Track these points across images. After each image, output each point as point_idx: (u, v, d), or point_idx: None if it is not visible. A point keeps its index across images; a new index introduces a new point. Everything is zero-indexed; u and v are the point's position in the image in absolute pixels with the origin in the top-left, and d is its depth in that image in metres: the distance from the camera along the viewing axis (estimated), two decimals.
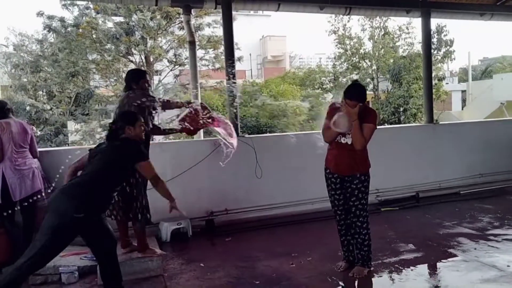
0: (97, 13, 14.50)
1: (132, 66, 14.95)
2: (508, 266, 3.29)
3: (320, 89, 19.74)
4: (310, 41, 61.61)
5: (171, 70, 15.84)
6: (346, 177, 3.19)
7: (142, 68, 5.32)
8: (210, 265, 3.56)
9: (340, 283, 3.13)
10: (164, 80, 16.38)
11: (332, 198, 3.30)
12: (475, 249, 3.67)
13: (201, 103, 3.72)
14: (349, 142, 3.12)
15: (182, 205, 4.54)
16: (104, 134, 12.29)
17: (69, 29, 15.01)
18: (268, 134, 10.37)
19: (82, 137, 14.82)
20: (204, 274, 3.38)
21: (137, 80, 3.49)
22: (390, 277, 3.25)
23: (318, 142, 5.43)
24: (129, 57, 15.14)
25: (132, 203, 3.36)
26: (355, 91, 3.07)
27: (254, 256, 3.76)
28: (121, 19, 14.63)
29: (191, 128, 3.69)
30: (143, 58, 15.29)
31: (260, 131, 14.44)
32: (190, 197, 4.70)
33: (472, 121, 8.69)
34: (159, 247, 3.78)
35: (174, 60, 15.60)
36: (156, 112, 3.55)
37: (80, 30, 14.44)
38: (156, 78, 16.33)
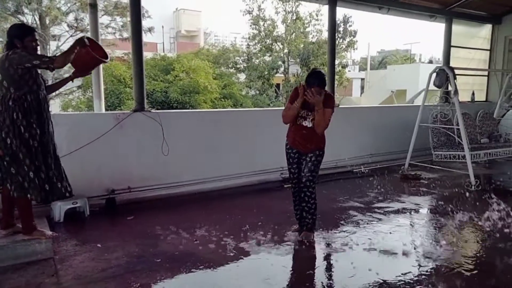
0: None
1: None
2: (390, 233, 3.75)
3: (234, 68, 19.77)
4: (225, 19, 61.00)
5: (71, 36, 14.29)
6: (302, 152, 3.45)
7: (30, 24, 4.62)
8: (108, 245, 3.38)
9: (241, 256, 3.22)
10: (62, 46, 14.73)
11: (289, 171, 3.59)
12: (362, 220, 4.10)
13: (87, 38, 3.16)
14: (309, 125, 3.38)
15: (79, 183, 4.26)
16: None
17: None
18: (176, 110, 10.09)
19: None
20: (101, 255, 3.19)
21: (22, 37, 2.97)
22: (294, 244, 3.46)
23: (230, 120, 5.49)
24: (19, 16, 13.23)
25: (10, 167, 2.94)
26: (317, 78, 3.28)
27: (157, 234, 3.67)
28: None
29: (84, 68, 3.31)
30: (36, 19, 13.51)
31: (170, 107, 13.99)
32: (89, 174, 4.38)
33: (368, 106, 9.56)
34: (51, 228, 3.46)
35: (75, 25, 14.10)
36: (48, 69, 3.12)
37: None
38: (53, 44, 14.62)
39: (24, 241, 3.08)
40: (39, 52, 3.17)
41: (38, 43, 3.13)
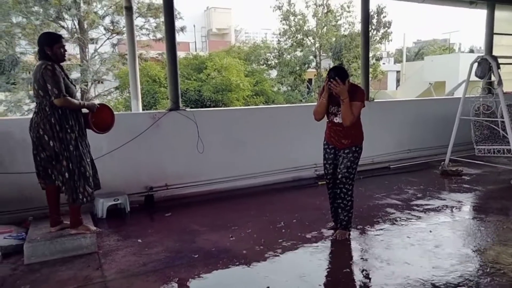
0: None
1: (63, 32, 13.78)
2: (430, 231, 3.63)
3: (265, 65, 19.78)
4: (256, 16, 61.03)
5: (108, 38, 14.86)
6: (339, 149, 3.44)
7: (57, 32, 4.83)
8: (148, 241, 3.50)
9: (276, 253, 3.24)
10: (100, 49, 15.34)
11: (324, 167, 3.57)
12: (400, 218, 3.99)
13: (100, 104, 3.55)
14: (340, 121, 3.34)
15: (120, 180, 4.44)
16: (33, 105, 11.32)
17: None
18: (210, 109, 10.23)
19: (7, 108, 13.57)
20: (141, 250, 3.31)
21: (51, 44, 3.16)
22: (330, 242, 3.43)
23: (262, 117, 5.50)
24: (60, 22, 13.91)
25: (59, 167, 3.17)
26: (334, 69, 3.30)
27: (194, 230, 3.76)
28: None
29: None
30: (76, 23, 14.14)
31: (204, 105, 14.22)
32: (128, 172, 4.55)
33: (404, 100, 9.26)
34: (94, 224, 3.63)
35: (112, 28, 14.64)
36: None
37: None
38: (91, 47, 15.25)
39: (71, 235, 3.26)
40: (67, 56, 3.37)
41: (66, 49, 3.31)
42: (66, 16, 13.78)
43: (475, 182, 5.31)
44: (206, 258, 3.16)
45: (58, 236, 3.25)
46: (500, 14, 7.74)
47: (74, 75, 13.77)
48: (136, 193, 4.54)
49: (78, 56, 14.68)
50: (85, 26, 14.38)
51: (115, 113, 3.71)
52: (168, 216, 4.20)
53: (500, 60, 5.59)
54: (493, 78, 5.85)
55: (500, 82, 5.41)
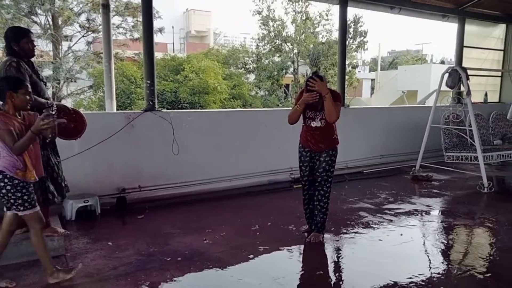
0: None
1: (36, 28, 13.33)
2: (401, 234, 3.72)
3: (243, 68, 19.80)
4: (235, 20, 61.15)
5: (83, 36, 14.48)
6: (316, 152, 3.47)
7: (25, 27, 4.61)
8: (119, 244, 3.41)
9: (251, 256, 3.22)
10: (74, 47, 14.92)
11: (300, 169, 3.59)
12: (372, 221, 4.07)
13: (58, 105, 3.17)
14: (318, 125, 3.39)
15: (91, 181, 4.32)
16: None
17: None
18: (186, 110, 10.14)
19: None
20: (111, 253, 3.22)
21: (18, 39, 3.02)
22: (304, 244, 3.45)
23: (239, 120, 5.50)
24: (33, 17, 13.44)
25: None
26: (313, 73, 3.36)
27: (167, 233, 3.69)
28: None
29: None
30: (49, 19, 13.70)
31: (180, 107, 14.08)
32: (100, 173, 4.43)
33: (378, 107, 9.49)
34: (63, 226, 3.52)
35: (87, 25, 14.27)
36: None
37: None
38: (65, 44, 14.81)
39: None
40: (36, 52, 3.21)
41: (35, 44, 3.17)
42: (39, 11, 13.34)
43: (444, 187, 5.49)
44: (179, 261, 3.10)
45: (23, 238, 3.11)
46: (470, 28, 8.09)
47: (46, 72, 13.31)
48: (108, 194, 4.42)
49: (51, 53, 14.23)
50: (60, 22, 13.97)
51: (89, 112, 3.60)
52: (140, 218, 4.11)
53: (469, 72, 5.82)
54: (462, 88, 6.08)
55: (469, 93, 5.63)
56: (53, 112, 2.53)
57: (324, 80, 3.30)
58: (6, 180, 2.52)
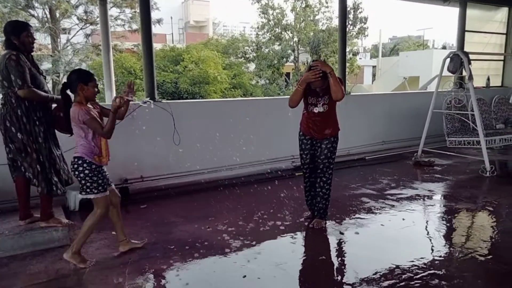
0: None
1: (34, 21, 13.25)
2: (403, 219, 3.73)
3: (243, 58, 19.69)
4: (234, 9, 60.55)
5: (81, 28, 14.41)
6: (317, 139, 3.46)
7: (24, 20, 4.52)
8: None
9: (253, 242, 3.25)
10: (73, 39, 14.87)
11: (301, 157, 3.58)
12: (374, 207, 4.08)
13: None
14: (321, 111, 3.38)
15: None
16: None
17: None
18: (187, 100, 10.11)
19: None
20: (115, 242, 3.23)
21: (18, 33, 3.02)
22: (307, 231, 3.47)
23: (240, 109, 5.48)
24: (30, 10, 13.36)
25: (29, 159, 3.06)
26: (314, 61, 3.37)
27: (170, 222, 3.72)
28: None
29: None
30: (47, 12, 13.62)
31: (180, 97, 14.05)
32: None
33: (379, 93, 9.43)
34: (67, 217, 3.54)
35: (85, 17, 14.19)
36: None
37: None
38: (63, 37, 14.76)
39: (42, 228, 3.16)
40: (35, 46, 3.20)
41: (35, 38, 3.16)
42: (36, 5, 13.26)
43: (446, 172, 5.49)
44: (183, 249, 3.13)
45: (27, 229, 3.15)
46: (472, 12, 7.98)
47: (45, 66, 13.29)
48: None
49: (50, 46, 14.17)
50: (57, 15, 13.89)
51: None
52: (143, 208, 4.14)
53: (471, 56, 5.77)
54: (464, 73, 6.03)
55: (470, 77, 5.59)
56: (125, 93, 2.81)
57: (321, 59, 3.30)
58: (85, 165, 2.73)
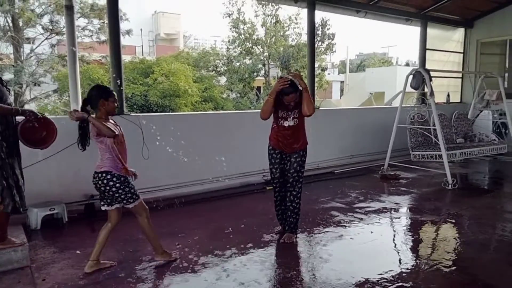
0: None
1: None
2: (371, 232, 3.81)
3: (214, 71, 19.73)
4: (205, 22, 60.80)
5: (46, 38, 13.96)
6: (286, 153, 3.48)
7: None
8: (87, 252, 3.27)
9: (224, 259, 3.20)
10: (38, 49, 14.36)
11: (271, 171, 3.61)
12: (344, 220, 4.14)
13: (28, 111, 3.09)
14: (291, 124, 3.43)
15: (57, 189, 4.16)
16: None
17: None
18: (156, 114, 9.97)
19: None
20: (80, 262, 3.11)
21: None
22: (278, 245, 3.46)
23: (211, 123, 5.46)
24: None
25: None
26: (290, 86, 3.32)
27: (138, 239, 3.60)
28: None
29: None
30: (9, 21, 13.12)
31: (150, 110, 13.83)
32: (67, 180, 4.27)
33: (347, 108, 9.71)
34: (27, 236, 3.36)
35: (50, 27, 13.77)
36: None
37: None
38: (27, 47, 14.23)
39: None
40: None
41: None
42: None
43: (411, 185, 5.68)
44: (151, 267, 3.04)
45: None
46: (432, 32, 8.44)
47: (7, 76, 12.73)
48: (75, 201, 4.28)
49: (12, 56, 13.62)
50: (20, 24, 13.40)
51: (53, 116, 3.46)
52: None
53: (432, 74, 6.06)
54: (426, 89, 6.32)
55: (432, 93, 5.86)
56: None
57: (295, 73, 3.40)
58: (114, 179, 2.81)
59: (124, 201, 2.88)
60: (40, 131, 3.16)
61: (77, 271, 2.96)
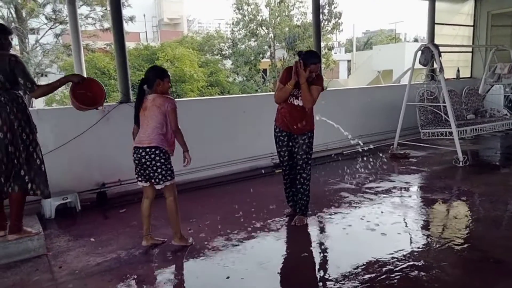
0: None
1: None
2: (382, 212, 3.80)
3: (219, 55, 19.56)
4: (208, 5, 60.00)
5: (50, 28, 13.94)
6: (294, 135, 3.44)
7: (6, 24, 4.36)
8: (101, 239, 3.36)
9: (236, 242, 3.24)
10: (42, 40, 14.36)
11: (279, 154, 3.58)
12: (354, 201, 4.15)
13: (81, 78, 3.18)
14: (301, 104, 3.35)
15: (69, 178, 4.22)
16: None
17: None
18: None
19: None
20: (95, 249, 3.18)
21: (7, 33, 2.96)
22: (289, 228, 3.48)
23: (218, 107, 5.44)
24: None
25: (8, 168, 2.93)
26: (316, 55, 3.36)
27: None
28: None
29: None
30: (12, 12, 13.10)
31: None
32: (78, 169, 4.33)
33: (355, 87, 9.58)
34: (42, 225, 3.42)
35: (54, 17, 13.73)
36: None
37: None
38: (32, 37, 14.25)
39: (15, 239, 3.04)
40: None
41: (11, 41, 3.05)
42: (0, 4, 12.73)
43: (421, 163, 5.63)
44: (164, 253, 3.09)
45: (0, 240, 3.03)
46: (441, 5, 8.20)
47: None
48: (87, 190, 4.34)
49: (18, 47, 13.65)
50: (24, 14, 13.38)
51: (61, 106, 3.48)
52: (122, 213, 4.06)
53: (441, 49, 5.91)
54: (435, 65, 6.19)
55: (441, 69, 5.74)
56: None
57: (319, 60, 3.36)
58: (161, 154, 2.95)
59: (164, 178, 2.98)
60: (88, 91, 3.21)
61: (92, 258, 3.03)
